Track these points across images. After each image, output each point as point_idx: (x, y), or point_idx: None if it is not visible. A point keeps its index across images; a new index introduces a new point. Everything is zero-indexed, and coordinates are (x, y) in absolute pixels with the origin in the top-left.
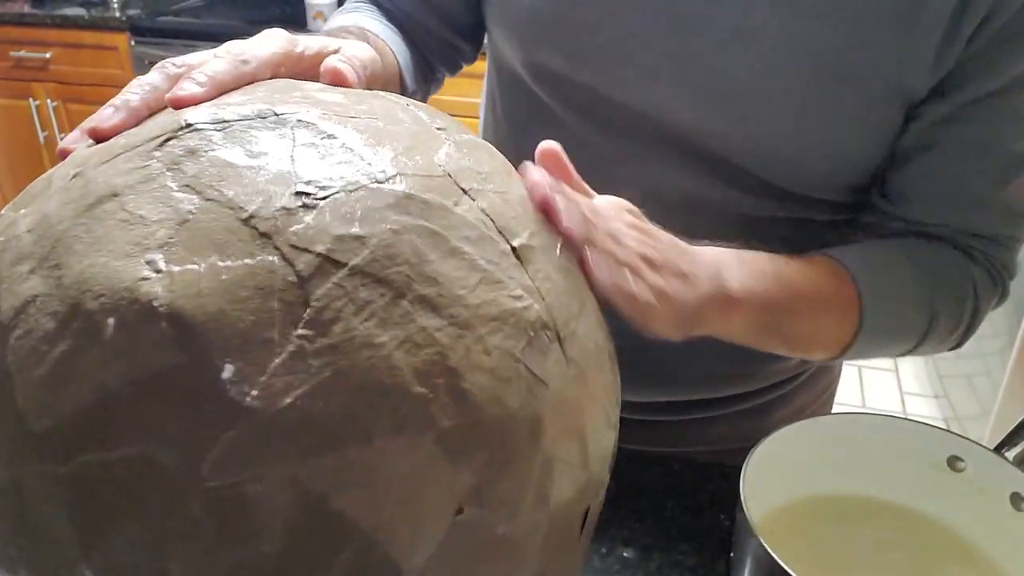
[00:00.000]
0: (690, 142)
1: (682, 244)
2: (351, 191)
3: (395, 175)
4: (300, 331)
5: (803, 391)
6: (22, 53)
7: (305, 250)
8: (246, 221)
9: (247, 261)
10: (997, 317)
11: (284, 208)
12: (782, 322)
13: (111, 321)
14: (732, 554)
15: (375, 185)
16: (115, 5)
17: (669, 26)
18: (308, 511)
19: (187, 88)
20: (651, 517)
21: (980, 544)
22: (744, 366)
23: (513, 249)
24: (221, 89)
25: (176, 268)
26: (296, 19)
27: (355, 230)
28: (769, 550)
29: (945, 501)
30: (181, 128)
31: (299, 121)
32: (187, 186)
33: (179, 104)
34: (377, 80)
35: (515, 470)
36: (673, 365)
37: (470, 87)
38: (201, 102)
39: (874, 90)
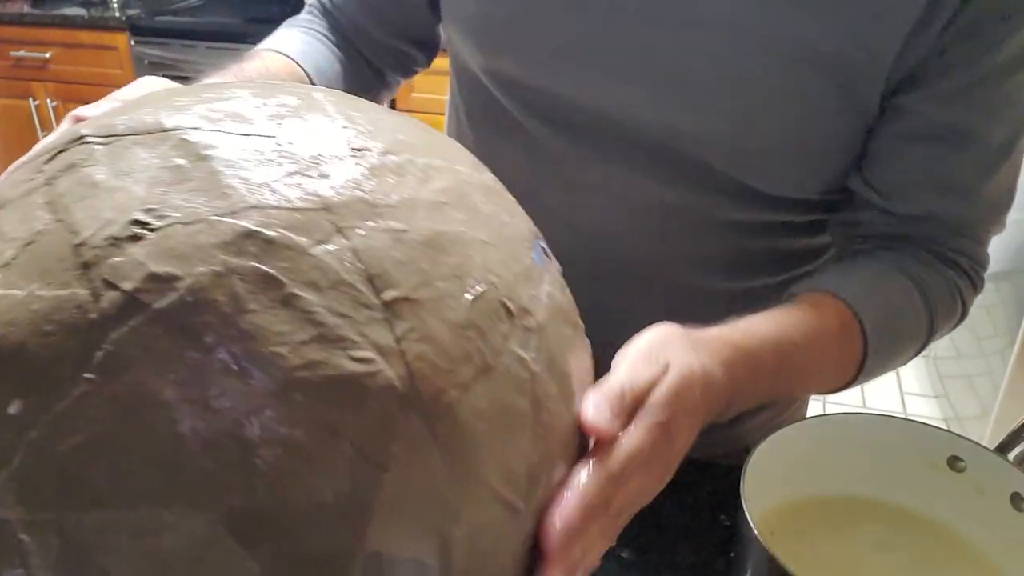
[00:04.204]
0: (653, 143)
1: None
2: (188, 223)
3: (248, 208)
4: (88, 375)
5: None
6: (22, 53)
7: (114, 286)
8: (76, 248)
9: (59, 292)
10: (997, 317)
11: (113, 237)
12: (781, 386)
13: None
14: (732, 554)
15: (216, 218)
16: (115, 5)
17: (621, 23)
18: (71, 562)
19: None
20: (649, 517)
21: (980, 544)
22: None
23: (384, 303)
24: None
25: (1, 291)
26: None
27: (169, 269)
28: (769, 550)
29: (945, 501)
30: (74, 140)
31: (182, 139)
32: (49, 203)
33: None
34: None
35: (320, 568)
36: None
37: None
38: None
39: (839, 77)
